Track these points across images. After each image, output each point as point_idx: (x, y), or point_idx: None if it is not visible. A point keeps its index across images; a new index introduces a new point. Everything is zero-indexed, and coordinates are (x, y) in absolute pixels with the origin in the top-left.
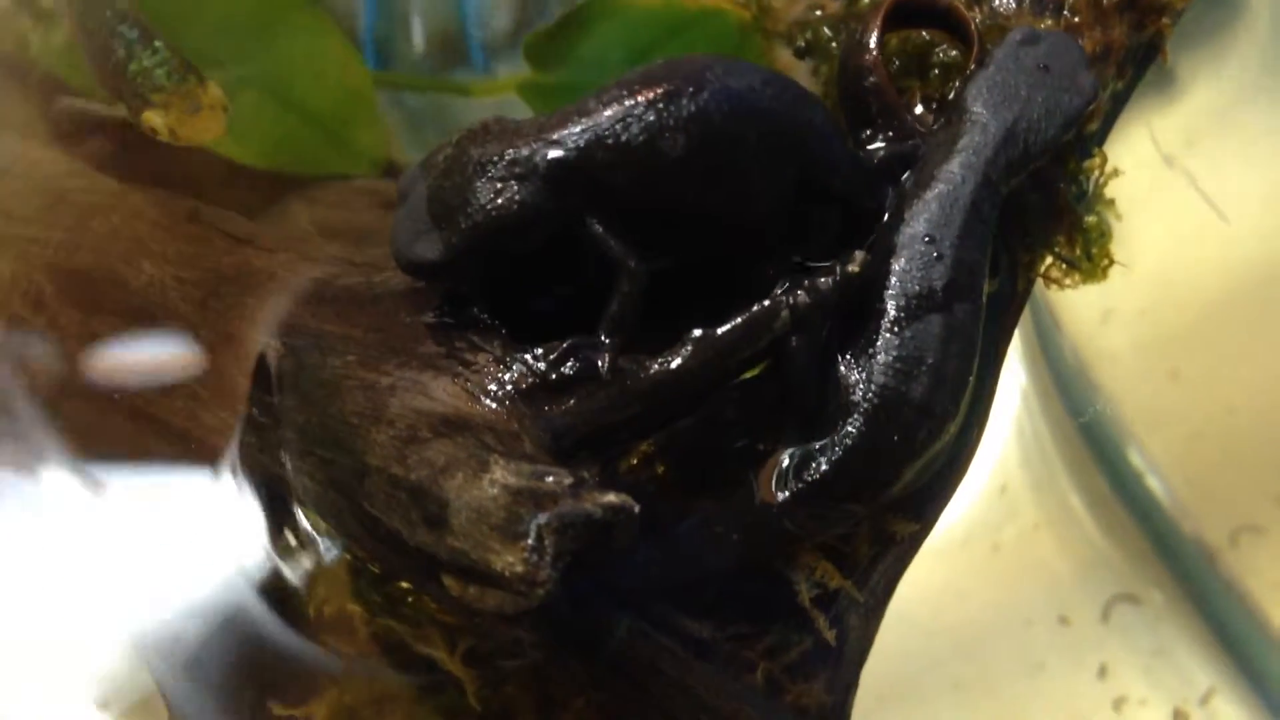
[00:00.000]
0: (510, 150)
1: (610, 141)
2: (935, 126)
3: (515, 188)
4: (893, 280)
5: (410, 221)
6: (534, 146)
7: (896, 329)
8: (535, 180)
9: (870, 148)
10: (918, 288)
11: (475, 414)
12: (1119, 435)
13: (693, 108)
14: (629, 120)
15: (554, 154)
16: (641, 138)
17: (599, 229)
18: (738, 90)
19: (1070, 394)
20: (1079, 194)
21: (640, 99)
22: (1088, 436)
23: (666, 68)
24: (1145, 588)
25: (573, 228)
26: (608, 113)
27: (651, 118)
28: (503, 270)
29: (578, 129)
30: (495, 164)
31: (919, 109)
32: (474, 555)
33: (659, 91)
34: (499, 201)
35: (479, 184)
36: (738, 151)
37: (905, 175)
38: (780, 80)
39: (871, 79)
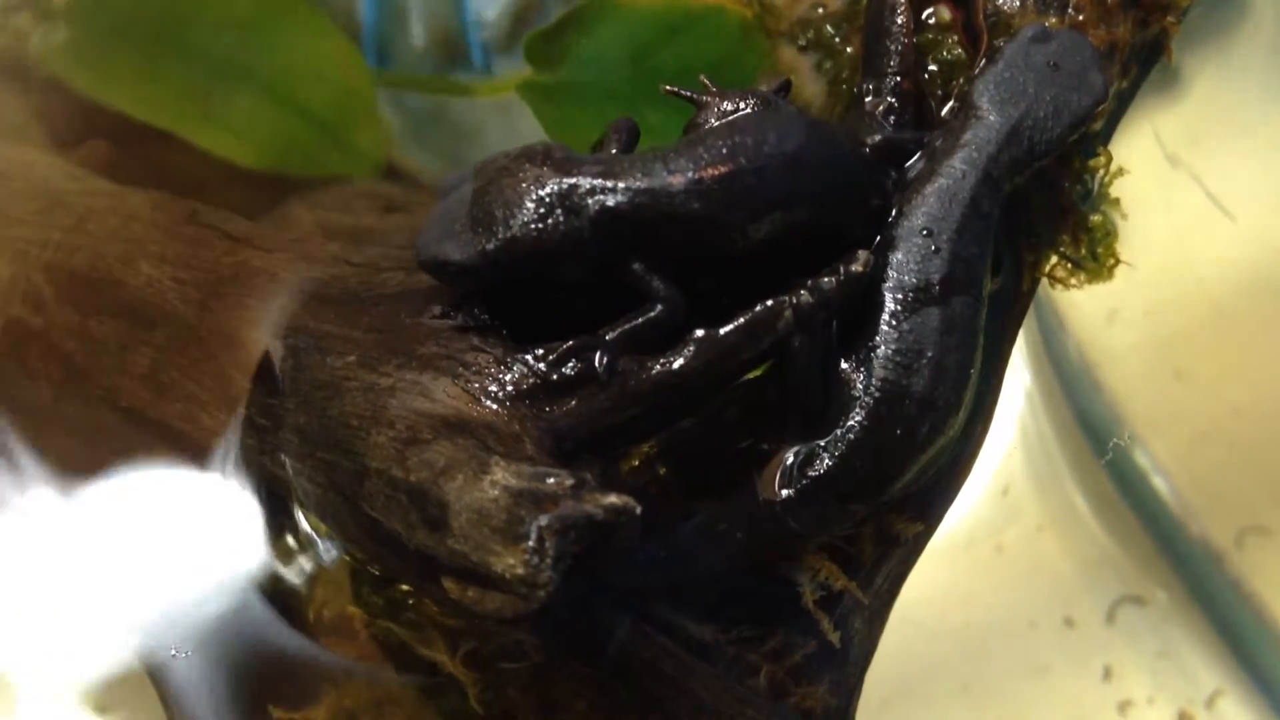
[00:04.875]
0: (567, 180)
1: (667, 208)
2: (943, 121)
3: (562, 217)
4: (890, 274)
5: (445, 219)
6: (591, 185)
7: (895, 322)
8: (583, 219)
9: (873, 140)
10: (915, 281)
11: (476, 415)
12: (1124, 436)
13: (757, 186)
14: (690, 193)
15: (608, 202)
16: (701, 210)
17: (639, 268)
18: (795, 155)
19: (1075, 394)
20: (1084, 193)
21: (705, 175)
22: (1092, 437)
23: (729, 141)
24: (1150, 589)
25: (613, 266)
26: (671, 180)
27: (715, 197)
28: (521, 289)
29: (638, 185)
30: (549, 188)
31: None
32: (474, 557)
33: (723, 172)
34: (542, 225)
35: (529, 202)
36: (792, 209)
37: (908, 165)
38: (818, 127)
39: (895, 44)
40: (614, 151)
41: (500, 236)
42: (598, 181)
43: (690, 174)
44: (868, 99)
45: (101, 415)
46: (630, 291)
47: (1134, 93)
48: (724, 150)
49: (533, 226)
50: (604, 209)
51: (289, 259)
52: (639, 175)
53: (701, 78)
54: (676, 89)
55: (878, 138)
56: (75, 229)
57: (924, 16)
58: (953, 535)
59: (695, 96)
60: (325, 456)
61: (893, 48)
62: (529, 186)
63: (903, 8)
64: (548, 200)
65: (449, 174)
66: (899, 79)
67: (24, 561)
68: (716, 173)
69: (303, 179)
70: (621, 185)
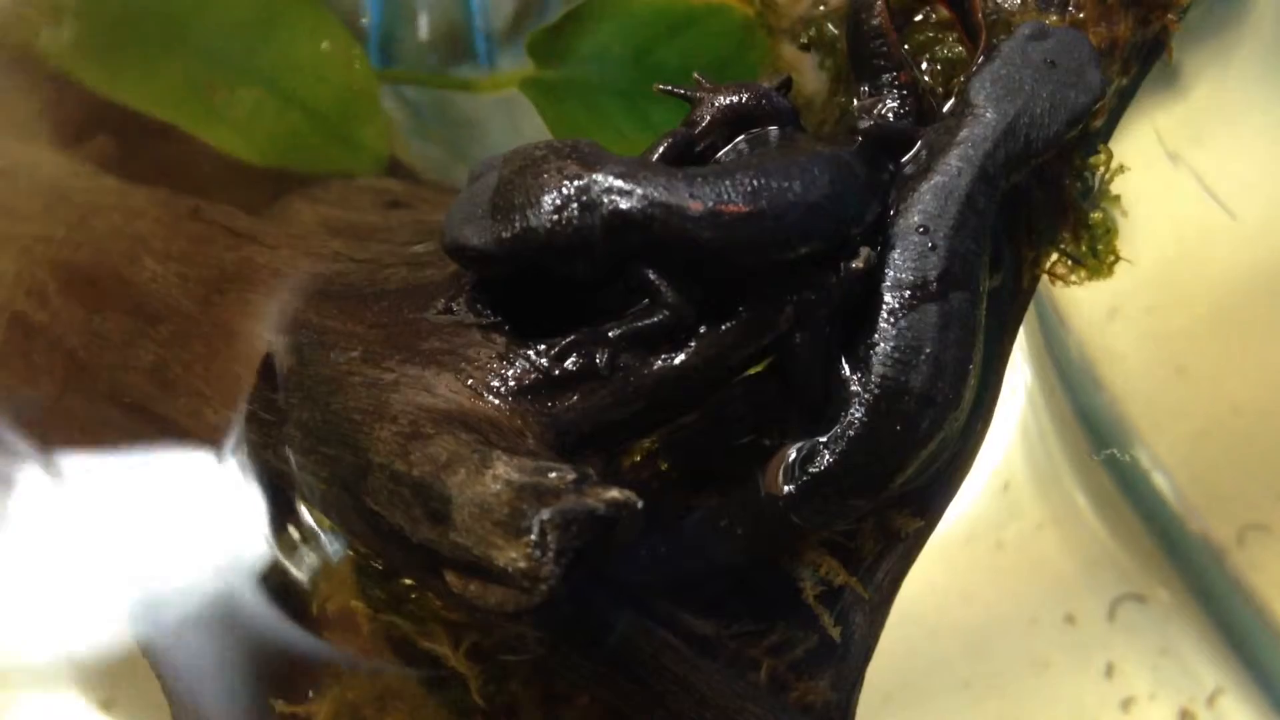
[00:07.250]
0: (587, 176)
1: (679, 228)
2: (941, 118)
3: (576, 213)
4: (888, 271)
5: (470, 204)
6: (609, 184)
7: (893, 319)
8: (595, 217)
9: (863, 125)
10: (912, 277)
11: (478, 410)
12: (1124, 432)
13: (774, 229)
14: (705, 222)
15: (622, 204)
16: (712, 240)
17: (649, 273)
18: (815, 203)
19: (1075, 391)
20: (1084, 190)
21: (725, 211)
22: (1093, 434)
23: (755, 182)
24: (1151, 586)
25: (625, 268)
26: (691, 204)
27: (729, 232)
28: (536, 281)
29: (655, 196)
30: (569, 183)
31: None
32: (477, 551)
33: (744, 212)
34: (558, 218)
35: (548, 195)
36: (803, 246)
37: (904, 160)
38: (835, 164)
39: (878, 42)
40: (654, 159)
41: (517, 226)
42: (616, 182)
43: (710, 204)
44: (867, 100)
45: (106, 410)
46: (640, 289)
47: (1134, 90)
48: (749, 190)
49: (548, 220)
50: (616, 210)
51: (292, 255)
52: (660, 187)
53: (695, 75)
54: (669, 88)
55: (868, 123)
56: (80, 225)
57: (922, 15)
58: (953, 532)
59: (688, 93)
60: (328, 451)
61: (876, 48)
62: (550, 180)
63: (879, 8)
64: (565, 195)
65: (477, 160)
66: (894, 75)
67: (31, 556)
68: (737, 211)
69: (306, 176)
70: (639, 191)
